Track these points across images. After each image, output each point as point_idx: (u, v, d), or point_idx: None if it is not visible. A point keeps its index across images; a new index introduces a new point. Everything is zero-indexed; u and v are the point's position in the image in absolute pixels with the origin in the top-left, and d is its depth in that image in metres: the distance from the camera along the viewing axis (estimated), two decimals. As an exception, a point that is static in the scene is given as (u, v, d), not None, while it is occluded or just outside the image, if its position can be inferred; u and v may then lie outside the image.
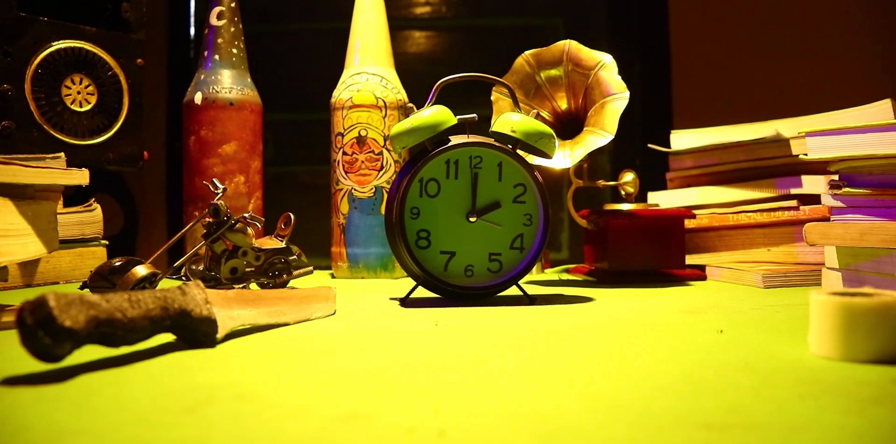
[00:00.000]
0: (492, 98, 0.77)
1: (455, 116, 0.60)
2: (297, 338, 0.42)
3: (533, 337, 0.42)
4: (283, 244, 0.68)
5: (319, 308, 0.52)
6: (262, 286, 0.68)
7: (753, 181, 0.83)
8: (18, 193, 0.58)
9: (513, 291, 0.63)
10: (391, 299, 0.64)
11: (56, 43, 0.89)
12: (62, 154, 0.78)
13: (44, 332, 0.30)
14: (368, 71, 0.88)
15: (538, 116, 0.65)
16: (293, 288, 0.60)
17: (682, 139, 0.91)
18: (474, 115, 0.60)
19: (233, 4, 0.94)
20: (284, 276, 0.68)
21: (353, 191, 0.86)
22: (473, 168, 0.60)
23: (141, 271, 0.57)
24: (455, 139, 0.60)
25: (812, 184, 0.77)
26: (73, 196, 0.83)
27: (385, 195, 0.86)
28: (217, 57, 0.92)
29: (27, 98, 0.86)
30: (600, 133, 0.69)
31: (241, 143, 0.92)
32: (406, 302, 0.60)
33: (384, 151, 0.86)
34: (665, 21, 1.54)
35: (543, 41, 0.78)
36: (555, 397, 0.28)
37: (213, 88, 0.91)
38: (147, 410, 0.26)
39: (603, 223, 0.78)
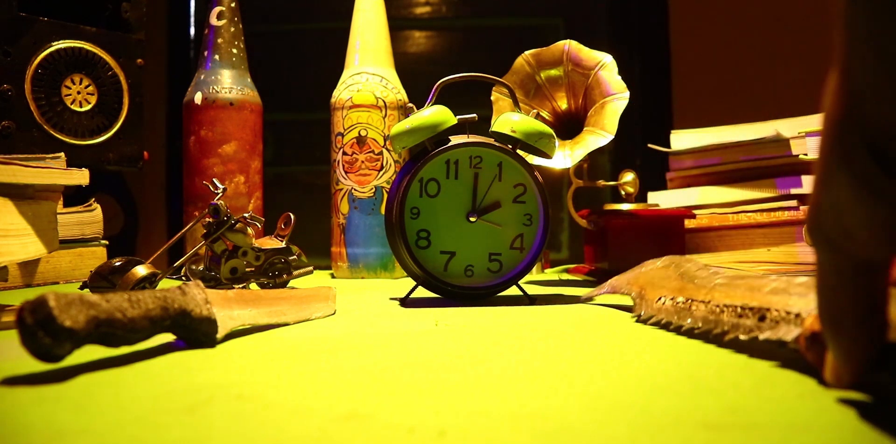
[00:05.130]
0: (492, 98, 0.77)
1: (455, 116, 0.60)
2: (297, 338, 0.42)
3: (533, 337, 0.42)
4: (283, 244, 0.68)
5: (319, 308, 0.52)
6: (262, 286, 0.68)
7: (753, 181, 0.83)
8: (18, 193, 0.58)
9: (513, 291, 0.63)
10: (391, 299, 0.64)
11: (56, 43, 0.89)
12: (62, 154, 0.78)
13: (44, 332, 0.30)
14: (368, 71, 0.88)
15: (538, 116, 0.65)
16: (293, 288, 0.60)
17: (682, 139, 0.91)
18: (474, 115, 0.60)
19: (233, 4, 0.94)
20: (284, 276, 0.68)
21: (353, 191, 0.86)
22: (473, 168, 0.60)
23: (141, 271, 0.57)
24: (455, 139, 0.60)
25: (812, 184, 0.77)
26: (73, 196, 0.83)
27: (385, 195, 0.86)
28: (217, 57, 0.92)
29: (27, 98, 0.86)
30: (600, 133, 0.69)
31: (241, 143, 0.92)
32: (406, 302, 0.60)
33: (384, 151, 0.86)
34: (665, 21, 1.54)
35: (543, 41, 0.78)
36: (555, 397, 0.28)
37: (213, 88, 0.91)
38: (147, 410, 0.26)
39: (603, 223, 0.78)
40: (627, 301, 0.60)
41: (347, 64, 0.90)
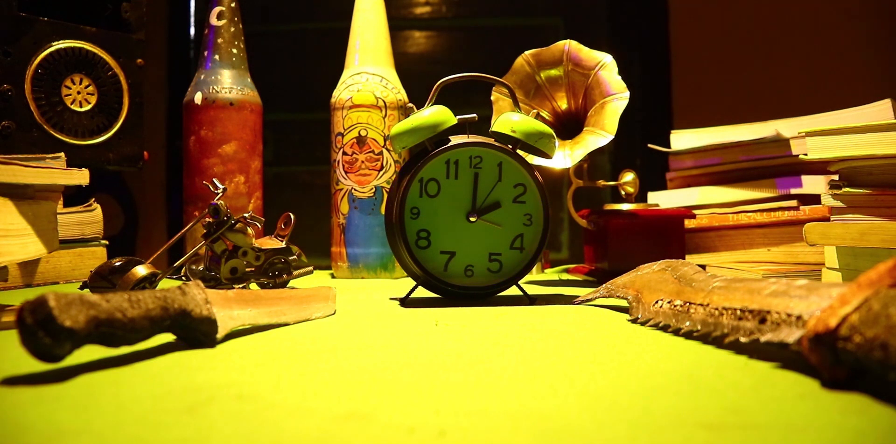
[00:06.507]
0: (492, 98, 0.77)
1: (455, 116, 0.60)
2: (297, 338, 0.42)
3: (533, 337, 0.42)
4: (283, 244, 0.68)
5: (319, 308, 0.52)
6: (262, 286, 0.68)
7: (753, 181, 0.83)
8: (18, 193, 0.58)
9: (513, 291, 0.63)
10: (391, 299, 0.64)
11: (56, 43, 0.89)
12: (62, 154, 0.78)
13: (44, 332, 0.30)
14: (368, 71, 0.88)
15: (538, 116, 0.65)
16: (293, 288, 0.60)
17: (682, 139, 0.91)
18: (474, 115, 0.60)
19: (233, 4, 0.94)
20: (284, 276, 0.68)
21: (353, 191, 0.86)
22: (473, 168, 0.60)
23: (141, 271, 0.57)
24: (455, 139, 0.60)
25: (812, 184, 0.77)
26: (73, 196, 0.83)
27: (385, 195, 0.86)
28: (217, 57, 0.92)
29: (27, 98, 0.86)
30: (600, 133, 0.69)
31: (241, 143, 0.92)
32: (406, 302, 0.60)
33: (384, 151, 0.86)
34: (665, 21, 1.54)
35: (543, 41, 0.78)
36: (555, 397, 0.28)
37: (213, 88, 0.91)
38: (147, 410, 0.26)
39: (603, 223, 0.78)
40: (624, 304, 0.60)
41: (347, 64, 0.90)
